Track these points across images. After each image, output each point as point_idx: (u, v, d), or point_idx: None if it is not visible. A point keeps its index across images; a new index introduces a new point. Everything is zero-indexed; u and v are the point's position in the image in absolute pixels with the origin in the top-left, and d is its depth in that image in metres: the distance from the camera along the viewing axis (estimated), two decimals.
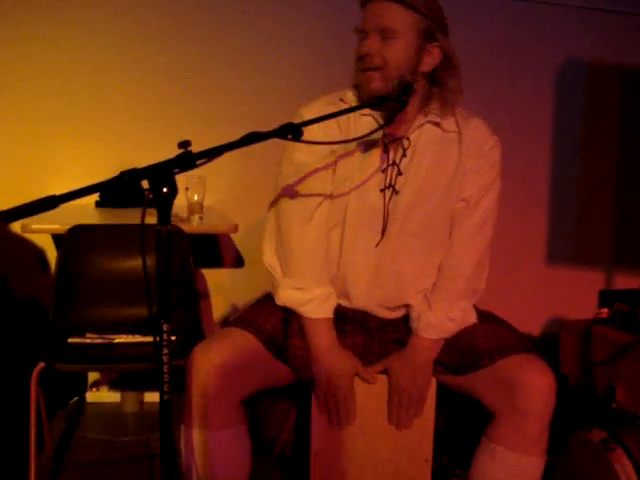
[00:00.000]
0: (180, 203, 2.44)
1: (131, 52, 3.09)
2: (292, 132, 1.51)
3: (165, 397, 1.41)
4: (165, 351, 1.40)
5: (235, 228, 2.70)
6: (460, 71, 1.83)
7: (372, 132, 1.74)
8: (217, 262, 3.28)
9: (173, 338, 2.36)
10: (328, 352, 1.86)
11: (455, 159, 1.86)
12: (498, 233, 1.96)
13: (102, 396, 3.19)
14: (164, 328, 1.39)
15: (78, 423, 3.01)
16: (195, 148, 1.39)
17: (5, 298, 3.00)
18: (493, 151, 1.89)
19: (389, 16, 1.73)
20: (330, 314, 1.89)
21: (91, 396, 3.19)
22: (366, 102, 1.77)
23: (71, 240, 2.52)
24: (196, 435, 1.82)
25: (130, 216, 2.80)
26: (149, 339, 2.40)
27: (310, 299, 1.86)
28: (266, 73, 3.21)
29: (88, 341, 2.39)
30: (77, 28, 3.02)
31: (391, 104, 1.73)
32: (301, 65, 3.22)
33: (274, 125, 1.53)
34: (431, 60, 1.79)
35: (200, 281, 3.21)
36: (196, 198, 2.69)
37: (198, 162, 1.38)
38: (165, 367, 1.41)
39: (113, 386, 3.20)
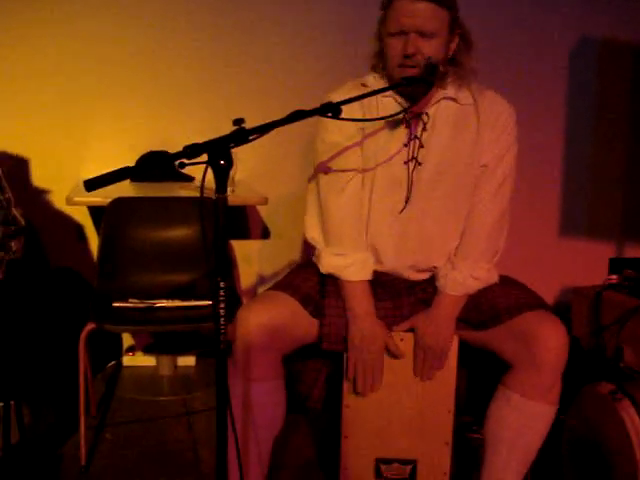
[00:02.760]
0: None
1: (170, 31, 3.18)
2: (332, 110, 1.67)
3: (221, 346, 1.57)
4: (222, 305, 1.55)
5: (265, 200, 2.87)
6: (473, 48, 1.97)
7: (399, 112, 1.92)
8: (244, 234, 3.44)
9: (208, 303, 2.57)
10: (365, 317, 2.02)
11: (473, 129, 2.01)
12: (514, 206, 2.11)
13: (138, 360, 3.37)
14: (221, 285, 1.54)
15: (116, 385, 3.20)
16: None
17: (47, 267, 3.17)
18: (509, 119, 2.03)
19: (427, 17, 1.84)
20: (368, 276, 2.05)
21: (127, 360, 3.38)
22: (395, 83, 1.91)
23: (114, 212, 2.70)
24: (239, 386, 2.00)
25: (161, 189, 2.98)
26: (188, 303, 2.58)
27: (350, 263, 2.03)
28: (304, 54, 3.31)
29: (131, 305, 2.57)
30: (116, 5, 3.12)
31: (419, 84, 1.89)
32: (337, 49, 3.30)
33: (306, 104, 1.69)
34: (453, 45, 1.95)
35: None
36: (231, 172, 2.83)
37: (250, 137, 1.53)
38: (221, 320, 1.56)
39: (147, 351, 3.38)
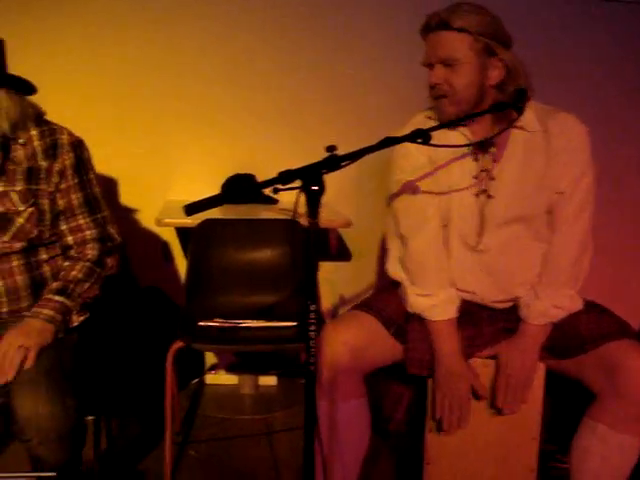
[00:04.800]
0: (302, 200, 2.62)
1: (259, 55, 3.24)
2: (421, 136, 1.69)
3: (311, 368, 1.60)
4: (312, 328, 1.58)
5: (348, 223, 2.90)
6: (527, 78, 1.93)
7: (474, 143, 1.93)
8: (325, 255, 3.47)
9: (292, 324, 2.60)
10: (451, 356, 2.02)
11: (543, 156, 1.98)
12: (598, 227, 2.07)
13: (220, 378, 3.43)
14: (311, 308, 1.57)
15: (199, 402, 3.26)
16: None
17: (135, 285, 3.27)
18: (583, 140, 1.98)
19: (447, 46, 1.87)
20: (454, 314, 2.05)
21: (210, 378, 3.44)
22: (483, 110, 1.91)
23: (202, 233, 2.77)
24: (324, 407, 2.03)
25: (245, 211, 3.04)
26: (272, 324, 2.62)
27: (435, 304, 2.04)
28: (387, 80, 3.33)
29: (217, 324, 2.62)
30: (203, 30, 3.22)
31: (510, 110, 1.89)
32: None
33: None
34: (497, 73, 1.91)
35: None
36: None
37: (342, 164, 1.57)
38: (311, 342, 1.59)
39: (230, 369, 3.44)
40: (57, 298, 2.01)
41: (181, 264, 3.35)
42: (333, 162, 1.55)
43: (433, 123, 1.96)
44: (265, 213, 3.01)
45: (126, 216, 3.26)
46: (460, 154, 2.00)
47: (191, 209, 1.46)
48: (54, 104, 2.18)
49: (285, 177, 1.51)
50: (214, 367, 3.47)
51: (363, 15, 3.25)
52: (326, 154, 1.58)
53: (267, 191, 1.59)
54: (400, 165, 2.06)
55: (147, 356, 3.03)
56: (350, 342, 1.99)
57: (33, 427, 1.80)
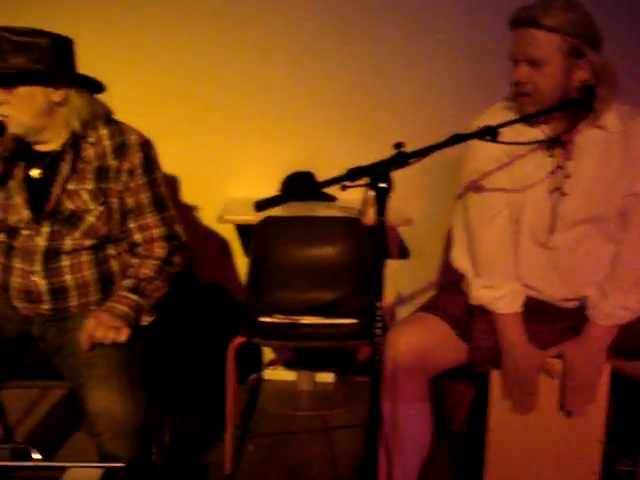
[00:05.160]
0: (358, 197, 2.63)
1: (322, 54, 3.23)
2: (490, 134, 1.68)
3: (376, 365, 1.60)
4: (378, 325, 1.58)
5: (409, 221, 2.89)
6: (615, 80, 1.90)
7: (548, 139, 1.90)
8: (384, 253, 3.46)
9: (353, 321, 2.61)
10: (517, 346, 2.01)
11: (620, 157, 1.95)
12: None
13: (278, 374, 3.46)
14: (378, 305, 1.57)
15: (257, 397, 3.29)
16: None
17: (195, 282, 3.31)
18: None
19: (535, 45, 1.83)
20: (519, 309, 2.04)
21: (268, 374, 3.47)
22: (554, 107, 1.89)
23: (263, 230, 2.79)
24: (387, 407, 2.03)
25: (304, 208, 3.05)
26: (332, 320, 2.63)
27: (500, 296, 2.02)
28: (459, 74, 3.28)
29: (277, 320, 2.64)
30: (269, 33, 3.22)
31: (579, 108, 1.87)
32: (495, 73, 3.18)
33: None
34: (582, 74, 1.88)
35: None
36: (373, 193, 2.88)
37: (410, 161, 1.57)
38: (377, 339, 1.59)
39: (288, 365, 3.46)
40: (131, 296, 2.05)
41: (240, 261, 3.38)
42: (401, 159, 1.55)
43: (512, 114, 1.94)
44: (324, 210, 3.02)
45: (187, 213, 3.30)
46: (537, 149, 1.99)
47: (261, 205, 1.48)
48: (117, 103, 2.22)
49: (353, 174, 1.52)
50: (272, 363, 3.49)
51: (432, 8, 3.22)
52: (381, 152, 1.58)
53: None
54: (476, 155, 2.04)
55: (207, 351, 3.07)
56: (415, 344, 1.99)
57: (105, 422, 1.84)
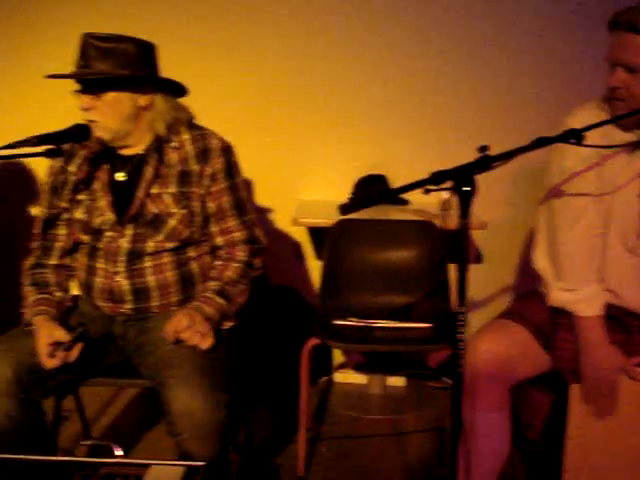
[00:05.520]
0: (431, 200, 2.61)
1: (398, 57, 3.22)
2: (575, 137, 1.65)
3: (458, 371, 1.59)
4: (461, 330, 1.57)
5: (484, 225, 2.86)
6: None
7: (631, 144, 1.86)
8: (455, 257, 3.43)
9: (427, 325, 2.59)
10: (597, 348, 1.96)
11: None
12: None
13: (348, 377, 3.46)
14: (462, 310, 1.56)
15: (328, 400, 3.30)
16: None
17: (268, 284, 3.34)
18: None
19: (631, 50, 1.79)
20: (600, 311, 1.99)
21: (338, 376, 3.47)
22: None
23: (337, 233, 2.80)
24: (466, 414, 2.01)
25: (377, 211, 3.04)
26: (406, 324, 2.62)
27: (580, 299, 1.98)
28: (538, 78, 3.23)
29: (350, 324, 2.64)
30: (341, 35, 3.23)
31: None
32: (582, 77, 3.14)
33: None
34: None
35: None
36: (447, 196, 2.86)
37: (494, 164, 1.55)
38: (458, 345, 1.58)
39: (358, 368, 3.46)
40: (217, 299, 2.08)
41: (311, 263, 3.40)
42: (485, 162, 1.54)
43: (604, 115, 1.91)
44: (397, 214, 3.01)
45: (259, 216, 3.32)
46: (627, 151, 1.95)
47: (346, 209, 1.49)
48: (195, 107, 2.25)
49: (437, 178, 1.51)
50: (342, 365, 3.50)
51: (513, 7, 3.17)
52: (456, 155, 1.57)
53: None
54: (564, 153, 1.99)
55: (279, 353, 3.10)
56: (496, 352, 1.97)
57: (184, 422, 1.86)
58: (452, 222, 2.84)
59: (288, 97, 3.30)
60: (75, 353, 1.97)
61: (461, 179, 1.52)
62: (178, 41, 3.14)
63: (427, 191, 1.52)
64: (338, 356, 3.52)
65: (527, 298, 2.19)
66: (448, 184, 1.54)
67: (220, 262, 2.17)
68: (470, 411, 2.00)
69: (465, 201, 1.53)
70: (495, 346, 1.97)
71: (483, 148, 1.55)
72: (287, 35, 3.24)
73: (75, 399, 2.57)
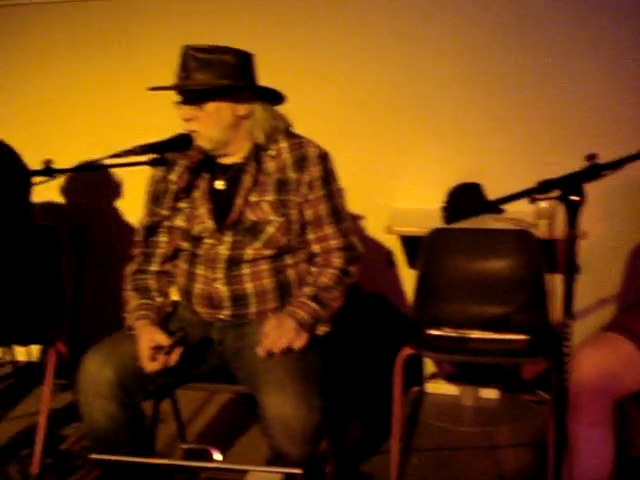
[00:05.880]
0: (527, 209, 2.55)
1: (487, 63, 3.18)
2: None
3: (561, 385, 1.55)
4: (567, 344, 1.53)
5: (585, 235, 2.78)
6: None
7: None
8: (552, 267, 3.35)
9: (524, 337, 2.53)
10: None
11: None
12: None
13: (440, 388, 3.41)
14: (568, 323, 1.52)
15: (419, 410, 3.27)
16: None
17: (358, 291, 3.33)
18: None
19: None
20: None
21: (430, 387, 3.43)
22: None
23: (431, 241, 2.77)
24: (569, 429, 1.95)
25: (472, 221, 2.98)
26: (503, 336, 2.56)
27: None
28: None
29: (445, 334, 2.61)
30: (433, 45, 3.21)
31: None
32: None
33: None
34: None
35: None
36: (546, 205, 2.79)
37: (603, 173, 1.50)
38: (565, 358, 1.54)
39: (450, 379, 3.41)
40: (311, 304, 2.09)
41: (404, 272, 3.38)
42: (594, 171, 1.49)
43: None
44: (492, 222, 2.95)
45: (353, 223, 3.33)
46: None
47: (451, 218, 1.47)
48: (292, 116, 2.26)
49: (544, 187, 1.47)
50: (434, 376, 3.45)
51: (616, 12, 3.08)
52: (554, 163, 1.52)
53: None
54: None
55: (372, 360, 3.08)
56: (601, 366, 1.90)
57: (279, 428, 1.87)
58: (550, 231, 2.81)
59: (383, 105, 3.30)
60: (175, 357, 2.01)
61: (569, 188, 1.48)
62: (276, 50, 3.18)
63: (533, 200, 1.48)
64: (429, 366, 3.48)
65: (632, 311, 2.11)
66: (555, 193, 1.49)
67: (316, 268, 2.18)
68: (572, 426, 1.94)
69: (572, 211, 1.48)
70: (600, 360, 1.91)
71: (591, 157, 1.50)
72: (383, 45, 3.24)
73: (172, 402, 2.63)
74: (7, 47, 3.64)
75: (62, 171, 1.92)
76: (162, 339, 2.01)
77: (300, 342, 2.01)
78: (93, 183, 3.61)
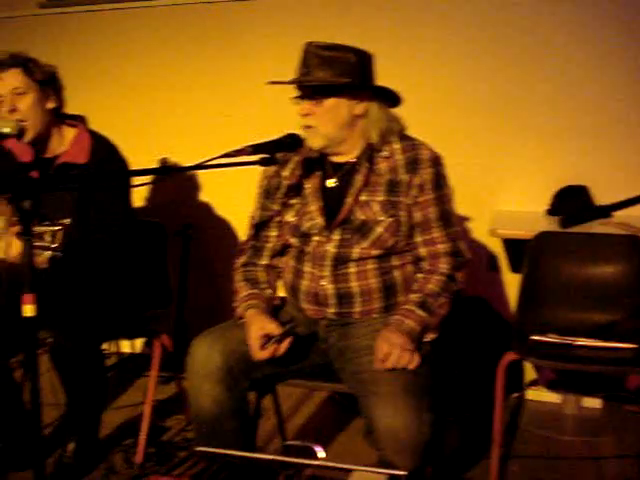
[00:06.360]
0: (637, 213, 2.47)
1: (600, 67, 3.11)
2: None
3: None
4: None
5: None
6: None
7: None
8: None
9: (632, 346, 2.45)
10: None
11: None
12: None
13: (541, 395, 3.34)
14: None
15: (519, 417, 3.21)
16: None
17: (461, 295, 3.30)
18: None
19: None
20: None
21: (530, 394, 3.36)
22: None
23: (538, 245, 2.72)
24: None
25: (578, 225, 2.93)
26: (610, 344, 2.49)
27: None
28: None
29: (551, 340, 2.55)
30: (534, 43, 3.17)
31: None
32: None
33: None
34: None
35: None
36: None
37: None
38: None
39: (551, 387, 3.33)
40: (418, 312, 2.08)
41: (507, 276, 3.32)
42: None
43: None
44: (598, 227, 2.88)
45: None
46: None
47: (568, 222, 1.44)
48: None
49: None
50: (534, 382, 3.39)
51: None
52: None
53: None
54: None
55: (472, 365, 3.05)
56: None
57: (388, 439, 1.87)
58: None
59: (487, 105, 3.26)
60: (284, 347, 2.04)
61: None
62: (384, 49, 3.19)
63: None
64: (529, 372, 3.42)
65: None
66: None
67: (422, 274, 2.17)
68: None
69: None
70: None
71: None
72: (489, 43, 3.22)
73: (273, 398, 2.66)
74: (120, 50, 3.77)
75: (178, 170, 1.97)
76: (272, 328, 2.05)
77: (414, 363, 1.99)
78: (199, 182, 3.70)
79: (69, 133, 2.67)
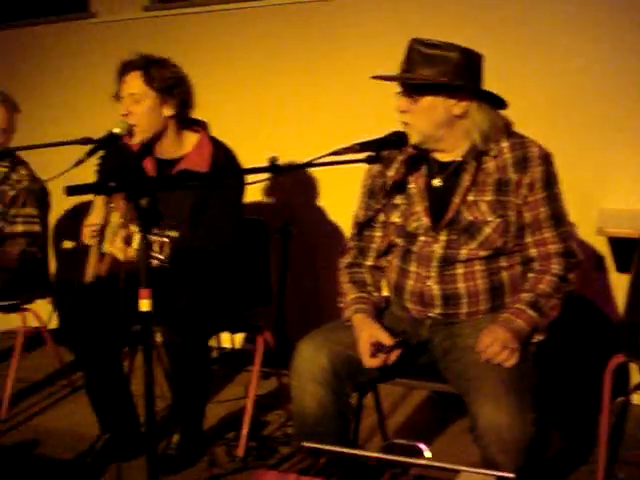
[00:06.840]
0: None
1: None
2: None
3: None
4: None
5: None
6: None
7: None
8: None
9: None
10: None
11: None
12: None
13: None
14: None
15: (624, 422, 3.10)
16: None
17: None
18: None
19: None
20: None
21: (637, 398, 3.26)
22: None
23: None
24: None
25: None
26: None
27: None
28: None
29: None
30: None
31: None
32: None
33: None
34: None
35: None
36: None
37: None
38: None
39: None
40: (529, 312, 2.05)
41: (612, 276, 3.24)
42: None
43: None
44: None
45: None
46: None
47: None
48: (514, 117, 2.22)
49: None
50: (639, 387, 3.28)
51: None
52: None
53: None
54: None
55: (577, 367, 2.98)
56: None
57: (492, 436, 1.84)
58: None
59: (592, 102, 3.19)
60: (394, 357, 2.05)
61: None
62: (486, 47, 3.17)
63: None
64: (636, 376, 3.31)
65: None
66: None
67: (533, 274, 2.13)
68: None
69: None
70: None
71: None
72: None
73: (374, 397, 2.66)
74: (228, 52, 3.84)
75: (288, 169, 2.00)
76: (385, 338, 2.06)
77: (512, 361, 1.96)
78: (300, 179, 3.73)
79: (190, 138, 2.72)
